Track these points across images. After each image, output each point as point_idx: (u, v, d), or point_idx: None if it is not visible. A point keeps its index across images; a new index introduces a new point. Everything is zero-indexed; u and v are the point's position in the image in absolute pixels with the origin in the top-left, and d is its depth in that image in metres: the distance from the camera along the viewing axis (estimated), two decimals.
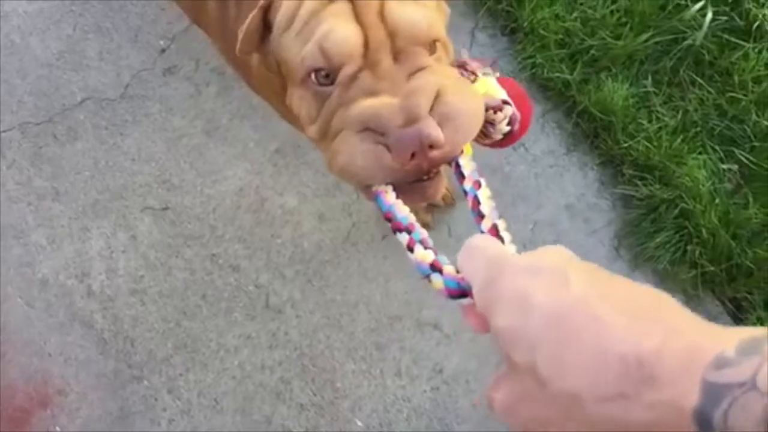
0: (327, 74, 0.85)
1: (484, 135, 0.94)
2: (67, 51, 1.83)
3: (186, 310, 1.68)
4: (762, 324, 1.58)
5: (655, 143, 1.69)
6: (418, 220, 1.72)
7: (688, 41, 1.73)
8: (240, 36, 0.93)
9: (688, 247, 1.63)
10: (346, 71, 0.83)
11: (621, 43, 1.74)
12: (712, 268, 1.62)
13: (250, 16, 0.92)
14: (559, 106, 1.78)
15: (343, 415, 1.62)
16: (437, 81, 0.81)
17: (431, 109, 0.79)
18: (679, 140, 1.70)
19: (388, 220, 0.73)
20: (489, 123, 0.93)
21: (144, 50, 1.84)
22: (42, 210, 1.73)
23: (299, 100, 0.90)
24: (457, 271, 0.60)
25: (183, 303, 1.69)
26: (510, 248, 0.61)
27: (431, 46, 0.87)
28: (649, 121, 1.72)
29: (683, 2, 1.75)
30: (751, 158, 1.67)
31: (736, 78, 1.71)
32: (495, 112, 0.93)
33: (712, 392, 0.38)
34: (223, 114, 1.81)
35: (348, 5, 0.86)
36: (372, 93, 0.81)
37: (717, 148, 1.70)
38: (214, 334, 1.67)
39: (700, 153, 1.70)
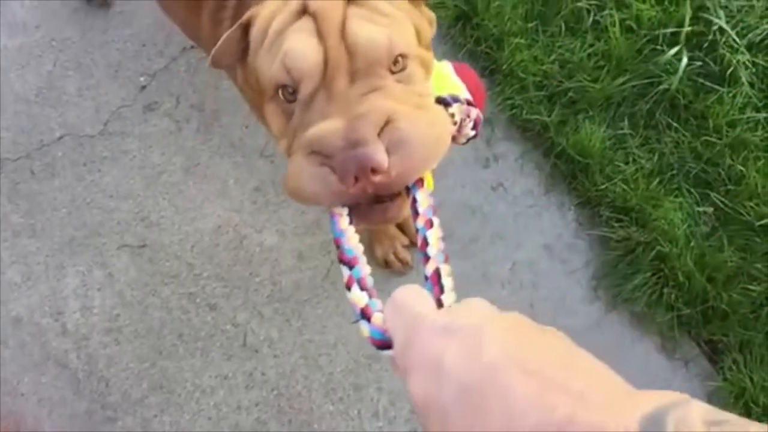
0: (293, 91, 0.85)
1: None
2: (46, 87, 1.83)
3: (162, 349, 1.67)
4: (738, 367, 1.60)
5: (632, 185, 1.71)
6: (398, 258, 1.72)
7: (664, 85, 1.76)
8: (216, 47, 0.93)
9: (665, 290, 1.64)
10: (305, 90, 0.83)
11: (598, 86, 1.76)
12: (688, 311, 1.63)
13: (228, 31, 0.93)
14: (537, 147, 1.80)
15: None
16: (390, 105, 0.80)
17: (380, 133, 0.78)
18: (655, 182, 1.72)
19: (336, 245, 0.72)
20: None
21: (124, 87, 1.84)
22: (18, 247, 1.72)
23: (270, 115, 0.91)
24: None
25: (159, 342, 1.67)
26: (449, 297, 0.60)
27: (395, 62, 0.85)
28: (626, 163, 1.74)
29: (659, 47, 1.78)
30: (726, 201, 1.69)
31: (711, 122, 1.74)
32: (463, 120, 0.92)
33: None
34: (202, 151, 1.81)
35: (311, 22, 0.86)
36: (324, 116, 0.81)
37: (693, 190, 1.72)
38: (190, 374, 1.65)
39: (676, 195, 1.72)
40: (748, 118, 1.74)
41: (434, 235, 0.68)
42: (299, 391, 1.64)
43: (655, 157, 1.75)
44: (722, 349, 1.63)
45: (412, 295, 0.55)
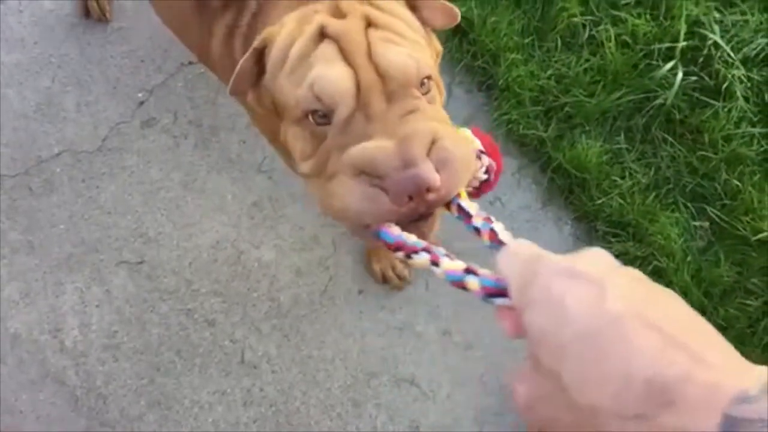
0: (324, 114, 0.85)
1: None
2: (44, 103, 1.83)
3: (160, 366, 1.67)
4: None
5: (629, 200, 1.72)
6: (396, 273, 1.72)
7: (660, 100, 1.77)
8: (233, 76, 0.94)
9: None
10: (340, 114, 0.83)
11: (594, 101, 1.77)
12: None
13: (243, 57, 0.93)
14: (534, 162, 1.81)
15: None
16: (432, 125, 0.81)
17: (428, 152, 0.79)
18: (651, 197, 1.73)
19: (398, 249, 0.73)
20: None
21: (122, 103, 1.84)
22: (16, 264, 1.72)
23: (293, 137, 0.91)
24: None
25: (157, 359, 1.67)
26: None
27: (422, 84, 0.87)
28: (622, 178, 1.75)
29: (655, 62, 1.79)
30: (722, 216, 1.70)
31: (706, 136, 1.74)
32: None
33: (732, 424, 0.40)
34: (200, 167, 1.81)
35: (335, 47, 0.86)
36: (365, 137, 0.81)
37: (689, 205, 1.73)
38: (188, 391, 1.65)
39: (672, 210, 1.72)
40: (743, 132, 1.74)
41: (500, 226, 0.69)
42: (297, 407, 1.65)
43: (651, 172, 1.76)
44: None
45: (525, 244, 0.56)
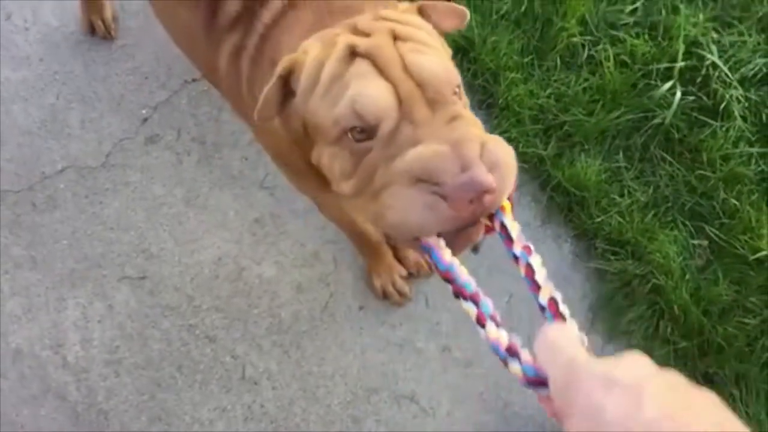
0: (362, 130, 0.85)
1: None
2: (49, 119, 1.85)
3: (161, 381, 1.67)
4: (734, 400, 1.61)
5: (627, 218, 1.73)
6: (396, 289, 1.73)
7: (658, 119, 1.79)
8: (259, 104, 0.94)
9: (661, 323, 1.65)
10: (385, 127, 0.84)
11: (593, 120, 1.79)
12: (684, 344, 1.64)
13: (268, 85, 0.93)
14: (534, 180, 1.82)
15: None
16: (477, 131, 0.82)
17: (479, 156, 0.79)
18: (650, 215, 1.74)
19: (447, 280, 0.72)
20: None
21: (126, 119, 1.86)
22: (19, 279, 1.73)
23: (331, 158, 0.91)
24: (534, 358, 0.59)
25: (158, 374, 1.68)
26: (572, 325, 0.61)
27: (456, 93, 0.88)
28: (621, 196, 1.77)
29: (653, 82, 1.81)
30: (720, 235, 1.71)
31: (704, 156, 1.76)
32: None
33: None
34: (203, 183, 1.82)
35: (369, 64, 0.87)
36: (415, 142, 0.81)
37: (687, 223, 1.74)
38: (189, 407, 1.65)
39: (671, 228, 1.74)
40: (741, 152, 1.76)
41: (537, 261, 0.69)
42: (297, 423, 1.65)
43: (650, 190, 1.77)
44: (718, 382, 1.64)
45: (561, 334, 0.58)
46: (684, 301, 1.64)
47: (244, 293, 1.75)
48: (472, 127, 0.84)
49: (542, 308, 0.65)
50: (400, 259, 1.74)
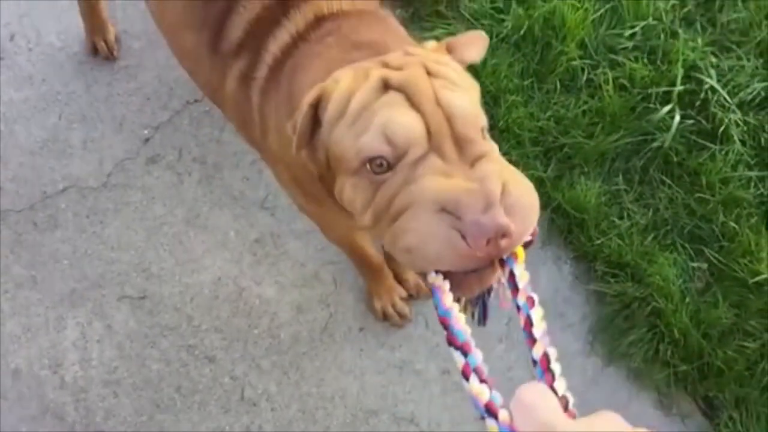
0: (381, 163, 0.85)
1: None
2: (51, 139, 1.86)
3: (160, 402, 1.67)
4: (734, 424, 1.60)
5: (627, 241, 1.74)
6: (396, 311, 1.73)
7: (657, 142, 1.80)
8: (295, 138, 0.94)
9: (661, 346, 1.65)
10: (413, 154, 0.84)
11: (593, 143, 1.80)
12: (684, 367, 1.64)
13: (300, 115, 0.93)
14: None
15: None
16: (500, 171, 0.81)
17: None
18: (650, 238, 1.75)
19: (443, 325, 0.71)
20: None
21: (128, 139, 1.87)
22: (19, 298, 1.73)
23: (353, 188, 0.91)
24: (511, 417, 0.58)
25: (157, 395, 1.67)
26: (561, 384, 0.61)
27: (482, 133, 0.88)
28: (621, 219, 1.77)
29: (652, 105, 1.82)
30: (719, 258, 1.71)
31: (704, 179, 1.77)
32: None
33: None
34: (204, 203, 1.83)
35: (400, 95, 0.87)
36: (443, 174, 0.81)
37: (687, 246, 1.75)
38: (187, 428, 1.65)
39: (670, 251, 1.74)
40: (740, 175, 1.77)
41: (538, 315, 0.68)
42: None
43: (650, 213, 1.78)
44: (718, 406, 1.64)
45: (539, 396, 0.56)
46: (684, 324, 1.64)
47: (243, 313, 1.75)
48: (497, 167, 0.83)
49: (534, 362, 0.64)
50: (400, 281, 1.74)
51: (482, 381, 0.64)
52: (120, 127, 1.88)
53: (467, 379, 0.65)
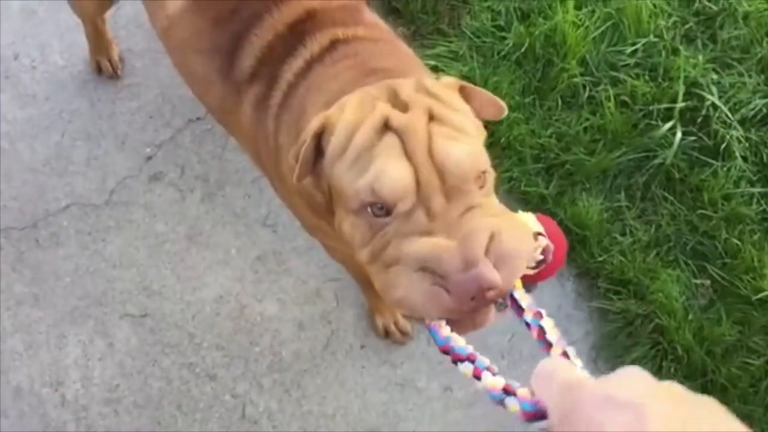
0: (381, 206, 0.86)
1: None
2: (54, 157, 1.87)
3: (161, 420, 1.66)
4: None
5: (629, 257, 1.73)
6: (398, 328, 1.73)
7: (659, 159, 1.80)
8: (297, 166, 0.94)
9: (664, 363, 1.65)
10: (401, 208, 0.84)
11: (594, 159, 1.80)
12: (687, 384, 1.62)
13: (304, 145, 0.93)
14: None
15: None
16: (490, 221, 0.82)
17: (486, 250, 0.79)
18: (652, 255, 1.74)
19: (445, 352, 0.74)
20: None
21: (131, 157, 1.88)
22: (20, 316, 1.73)
23: (351, 226, 0.91)
24: (532, 393, 0.59)
25: (158, 413, 1.67)
26: (584, 374, 0.60)
27: (478, 177, 0.87)
28: (623, 235, 1.77)
29: (653, 122, 1.83)
30: (722, 274, 1.71)
31: (706, 195, 1.77)
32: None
33: None
34: (206, 220, 1.83)
35: (397, 141, 0.87)
36: (427, 232, 0.82)
37: (690, 263, 1.74)
38: None
39: (673, 268, 1.73)
40: (742, 192, 1.77)
41: (549, 324, 0.71)
42: None
43: (652, 230, 1.78)
44: None
45: (557, 364, 0.57)
46: (687, 341, 1.63)
47: (245, 331, 1.74)
48: (486, 217, 0.83)
49: None
50: None
51: (495, 375, 0.67)
52: (123, 144, 1.89)
53: (479, 378, 0.67)
